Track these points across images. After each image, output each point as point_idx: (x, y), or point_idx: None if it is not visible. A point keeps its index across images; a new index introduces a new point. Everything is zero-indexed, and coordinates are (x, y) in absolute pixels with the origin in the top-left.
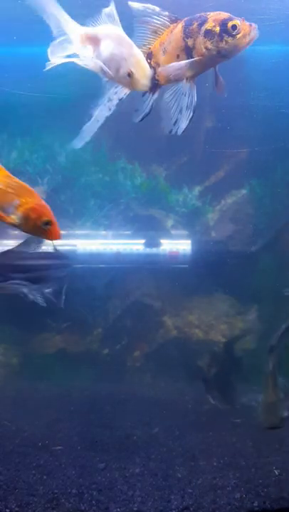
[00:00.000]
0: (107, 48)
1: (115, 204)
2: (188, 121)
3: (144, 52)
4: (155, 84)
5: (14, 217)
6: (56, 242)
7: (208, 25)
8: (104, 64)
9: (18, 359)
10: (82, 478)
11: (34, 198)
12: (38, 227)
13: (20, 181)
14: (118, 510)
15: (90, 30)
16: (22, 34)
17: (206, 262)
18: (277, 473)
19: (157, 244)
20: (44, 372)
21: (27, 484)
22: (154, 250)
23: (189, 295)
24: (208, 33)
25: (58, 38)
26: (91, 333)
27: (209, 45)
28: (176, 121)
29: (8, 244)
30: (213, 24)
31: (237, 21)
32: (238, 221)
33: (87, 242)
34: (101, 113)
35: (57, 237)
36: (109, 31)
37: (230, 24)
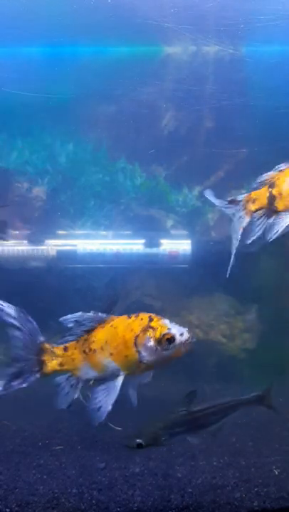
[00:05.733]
0: None
1: (115, 204)
2: None
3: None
4: (273, 211)
5: None
6: (56, 242)
7: None
8: None
9: None
10: (82, 478)
11: None
12: None
13: None
14: (118, 509)
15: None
16: (22, 34)
17: (206, 262)
18: (277, 472)
19: (157, 244)
20: None
21: (27, 484)
22: (154, 250)
23: (189, 295)
24: None
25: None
26: None
27: None
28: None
29: (8, 244)
30: None
31: None
32: None
33: (87, 242)
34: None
35: None
36: None
37: None
